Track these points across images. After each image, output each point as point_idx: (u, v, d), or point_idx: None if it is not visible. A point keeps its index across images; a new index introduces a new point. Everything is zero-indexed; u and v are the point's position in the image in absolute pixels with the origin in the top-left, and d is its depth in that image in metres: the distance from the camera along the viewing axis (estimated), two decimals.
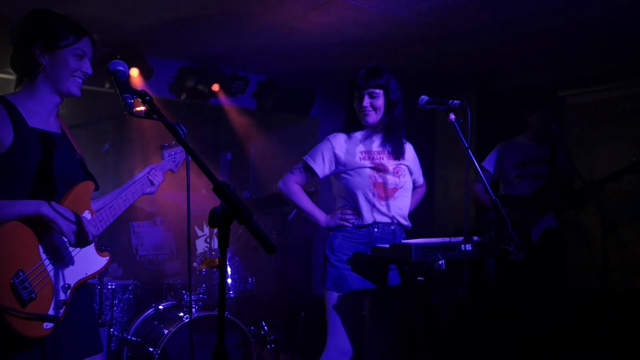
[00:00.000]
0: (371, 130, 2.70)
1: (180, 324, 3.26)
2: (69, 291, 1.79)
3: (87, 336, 1.90)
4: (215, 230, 3.60)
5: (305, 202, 2.73)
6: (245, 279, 3.89)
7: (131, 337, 3.39)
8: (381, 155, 2.66)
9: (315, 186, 4.25)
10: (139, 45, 4.15)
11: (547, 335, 3.55)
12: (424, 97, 2.47)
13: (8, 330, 1.60)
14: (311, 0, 3.18)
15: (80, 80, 1.87)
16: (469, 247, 2.30)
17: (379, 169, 2.62)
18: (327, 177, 2.71)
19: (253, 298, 4.10)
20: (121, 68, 1.74)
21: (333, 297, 2.59)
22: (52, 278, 1.74)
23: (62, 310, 1.75)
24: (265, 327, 4.01)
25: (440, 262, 2.16)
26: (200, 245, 5.08)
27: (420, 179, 2.91)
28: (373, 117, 2.64)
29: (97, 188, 1.96)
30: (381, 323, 2.70)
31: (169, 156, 2.35)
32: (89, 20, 3.54)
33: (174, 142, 2.40)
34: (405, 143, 2.78)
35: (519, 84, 4.67)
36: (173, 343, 3.23)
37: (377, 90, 2.62)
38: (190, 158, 1.51)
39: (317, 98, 5.31)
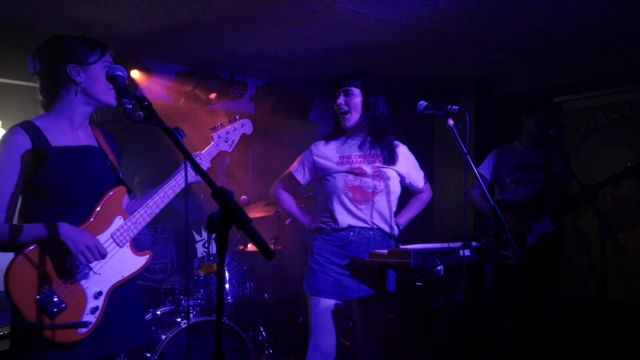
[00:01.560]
0: (352, 135, 2.71)
1: (177, 330, 3.25)
2: (102, 297, 1.91)
3: (128, 329, 2.00)
4: (214, 235, 3.59)
5: (292, 207, 2.83)
6: (243, 284, 3.88)
7: None
8: (360, 159, 2.65)
9: (314, 190, 4.24)
10: (138, 50, 4.16)
11: (545, 341, 3.54)
12: (423, 103, 2.47)
13: (42, 339, 1.78)
14: (309, 5, 3.19)
15: (113, 92, 1.95)
16: (467, 252, 2.30)
17: (356, 172, 2.62)
18: (310, 183, 2.78)
19: (251, 303, 4.09)
20: (120, 73, 1.77)
21: (310, 298, 2.62)
22: (84, 287, 1.87)
23: (96, 315, 1.88)
24: (263, 333, 4.00)
25: (438, 268, 2.16)
26: (199, 250, 5.07)
27: (420, 184, 2.87)
28: (350, 119, 2.64)
29: (129, 192, 2.05)
30: (370, 327, 2.67)
31: (219, 138, 2.26)
32: (88, 25, 3.56)
33: (227, 120, 2.30)
34: (397, 147, 2.76)
35: (517, 89, 4.68)
36: (171, 348, 3.21)
37: (353, 89, 2.64)
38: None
39: (315, 103, 5.32)
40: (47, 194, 1.85)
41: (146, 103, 1.69)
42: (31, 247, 1.80)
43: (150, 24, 3.53)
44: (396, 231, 2.73)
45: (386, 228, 2.68)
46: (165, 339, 3.20)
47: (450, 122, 2.38)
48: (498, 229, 2.28)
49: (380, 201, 2.65)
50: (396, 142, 2.78)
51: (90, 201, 1.93)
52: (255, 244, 1.33)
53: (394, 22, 3.43)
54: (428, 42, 3.82)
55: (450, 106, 2.39)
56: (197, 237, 5.11)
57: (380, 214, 2.65)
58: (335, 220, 2.64)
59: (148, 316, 3.51)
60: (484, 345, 3.39)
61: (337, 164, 2.65)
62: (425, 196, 2.93)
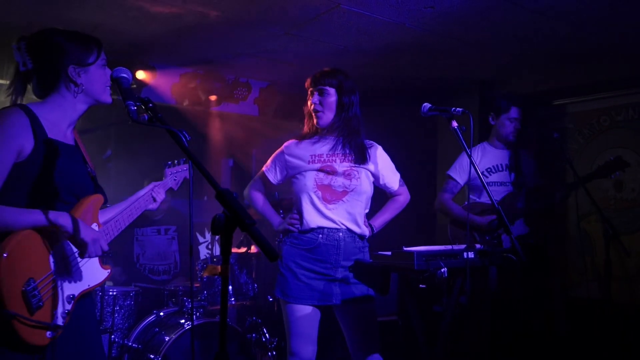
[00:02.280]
0: (324, 134, 2.67)
1: (181, 331, 3.26)
2: (72, 301, 1.82)
3: (88, 345, 1.90)
4: (217, 237, 3.58)
5: (263, 207, 2.80)
6: (247, 285, 3.88)
7: (132, 344, 3.38)
8: (333, 158, 2.61)
9: None
10: (143, 52, 4.17)
11: (548, 344, 3.53)
12: (427, 105, 2.48)
13: (14, 336, 1.63)
14: (313, 8, 3.19)
15: (109, 89, 1.94)
16: (471, 254, 2.30)
17: (327, 171, 2.58)
18: (282, 183, 2.75)
19: (254, 305, 4.09)
20: (124, 75, 1.77)
21: (285, 305, 2.58)
22: (59, 288, 1.77)
23: (64, 320, 1.77)
24: (267, 334, 3.99)
25: (442, 270, 2.16)
26: (202, 252, 5.07)
27: (394, 186, 2.76)
28: (323, 118, 2.61)
29: (105, 202, 2.01)
30: (361, 330, 2.61)
31: (170, 174, 2.49)
32: (92, 27, 3.57)
33: (176, 161, 2.54)
34: (370, 147, 2.70)
35: (521, 91, 4.67)
36: (174, 350, 3.22)
37: (328, 88, 2.61)
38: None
39: None
40: (33, 184, 1.75)
41: (150, 105, 1.69)
42: (26, 233, 1.67)
43: (155, 26, 3.54)
44: (367, 232, 2.66)
45: (356, 229, 2.60)
46: (168, 340, 3.21)
47: (454, 124, 2.37)
48: (501, 230, 2.28)
49: (351, 201, 2.58)
50: (370, 142, 2.72)
51: (71, 202, 1.86)
52: (259, 245, 1.33)
53: (398, 24, 3.43)
54: (432, 44, 3.82)
55: (454, 108, 2.39)
56: (201, 239, 5.12)
57: (350, 214, 2.59)
58: (303, 220, 2.58)
59: (151, 317, 3.52)
60: (487, 348, 3.39)
61: (308, 162, 2.61)
62: (402, 199, 2.81)
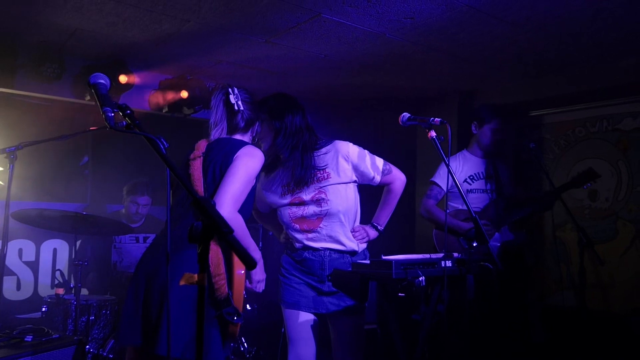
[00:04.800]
0: (283, 163, 2.65)
1: None
2: None
3: None
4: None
5: (268, 225, 2.95)
6: None
7: (107, 354, 3.32)
8: (296, 187, 2.60)
9: None
10: (122, 57, 4.13)
11: (524, 351, 3.56)
12: (406, 114, 2.50)
13: (237, 331, 2.11)
14: (294, 17, 3.20)
15: None
16: (449, 263, 2.32)
17: (296, 203, 2.61)
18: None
19: None
20: (102, 81, 1.74)
21: (282, 310, 2.68)
22: None
23: None
24: (245, 344, 3.96)
25: (420, 279, 2.17)
26: None
27: (377, 178, 2.64)
28: (265, 146, 2.65)
29: None
30: (344, 341, 2.64)
31: None
32: (71, 32, 3.53)
33: None
34: (327, 152, 2.60)
35: (500, 102, 4.74)
36: None
37: (263, 115, 2.62)
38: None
39: None
40: (248, 199, 2.28)
41: (128, 111, 1.68)
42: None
43: (134, 32, 3.52)
44: (356, 247, 2.64)
45: (340, 247, 2.61)
46: None
47: (433, 133, 2.39)
48: (480, 240, 2.29)
49: (328, 225, 2.59)
50: (329, 147, 2.61)
51: None
52: (236, 254, 1.33)
53: (378, 34, 3.46)
54: (411, 54, 3.86)
55: (432, 118, 2.41)
56: None
57: (331, 237, 2.60)
58: (291, 243, 2.71)
59: None
60: (465, 356, 3.41)
61: (280, 196, 2.65)
62: (395, 186, 2.71)
